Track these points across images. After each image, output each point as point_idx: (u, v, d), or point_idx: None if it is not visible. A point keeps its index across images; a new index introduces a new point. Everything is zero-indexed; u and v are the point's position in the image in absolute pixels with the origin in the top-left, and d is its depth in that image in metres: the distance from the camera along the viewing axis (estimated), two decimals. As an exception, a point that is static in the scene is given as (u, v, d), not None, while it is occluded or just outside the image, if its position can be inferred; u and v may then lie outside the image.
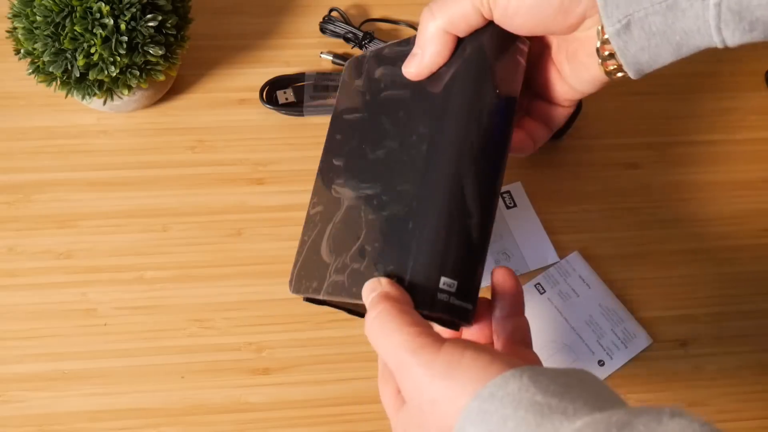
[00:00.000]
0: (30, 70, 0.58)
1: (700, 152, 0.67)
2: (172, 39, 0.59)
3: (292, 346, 0.58)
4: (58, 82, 0.58)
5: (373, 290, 0.37)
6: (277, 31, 0.70)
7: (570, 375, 0.32)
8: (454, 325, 0.40)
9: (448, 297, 0.37)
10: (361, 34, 0.68)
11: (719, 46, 0.35)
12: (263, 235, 0.61)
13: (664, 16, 0.35)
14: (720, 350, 0.60)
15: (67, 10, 0.55)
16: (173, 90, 0.66)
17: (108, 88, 0.59)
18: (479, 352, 0.33)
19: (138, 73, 0.58)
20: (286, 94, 0.66)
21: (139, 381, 0.56)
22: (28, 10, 0.56)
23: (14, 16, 0.57)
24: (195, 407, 0.56)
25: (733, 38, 0.34)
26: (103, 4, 0.55)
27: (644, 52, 0.37)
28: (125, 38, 0.56)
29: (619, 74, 0.40)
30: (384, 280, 0.37)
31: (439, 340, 0.34)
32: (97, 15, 0.55)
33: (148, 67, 0.59)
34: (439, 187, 0.38)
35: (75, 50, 0.56)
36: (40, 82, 0.59)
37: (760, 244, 0.64)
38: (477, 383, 0.32)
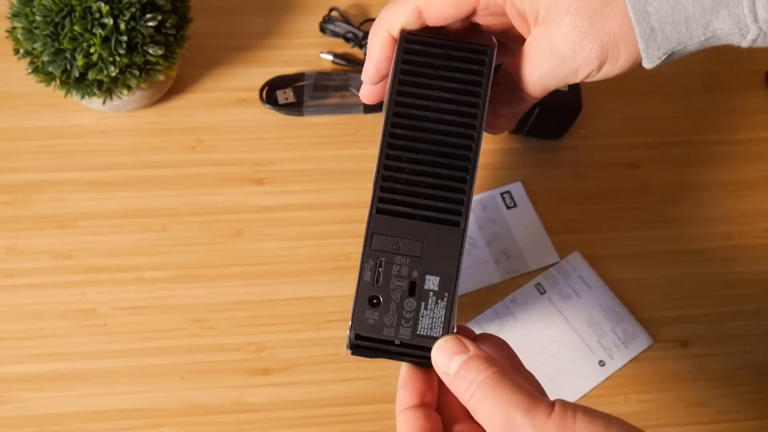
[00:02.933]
0: (29, 70, 0.58)
1: (700, 152, 0.67)
2: (171, 39, 0.59)
3: (292, 346, 0.58)
4: (58, 82, 0.58)
5: (461, 352, 0.35)
6: (277, 31, 0.70)
7: None
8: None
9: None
10: (361, 34, 0.68)
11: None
12: (263, 235, 0.61)
13: (701, 45, 0.36)
14: (721, 350, 0.60)
15: (66, 9, 0.55)
16: (173, 90, 0.66)
17: (107, 88, 0.59)
18: (591, 417, 0.32)
19: (137, 72, 0.58)
20: (286, 94, 0.66)
21: (139, 381, 0.56)
22: (28, 9, 0.56)
23: (14, 15, 0.57)
24: (195, 407, 0.56)
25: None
26: (103, 4, 0.55)
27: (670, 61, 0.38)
28: (125, 38, 0.56)
29: None
30: (469, 343, 0.35)
31: (547, 399, 0.33)
32: (97, 15, 0.55)
33: (148, 66, 0.59)
34: None
35: (74, 50, 0.56)
36: (40, 81, 0.59)
37: (760, 244, 0.64)
38: None
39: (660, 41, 0.36)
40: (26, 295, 0.58)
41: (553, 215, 0.63)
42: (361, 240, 0.61)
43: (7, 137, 0.64)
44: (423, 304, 0.36)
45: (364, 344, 0.36)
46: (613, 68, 0.37)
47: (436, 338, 0.36)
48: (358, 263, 0.62)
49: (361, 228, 0.62)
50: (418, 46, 0.39)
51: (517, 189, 0.64)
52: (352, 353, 0.37)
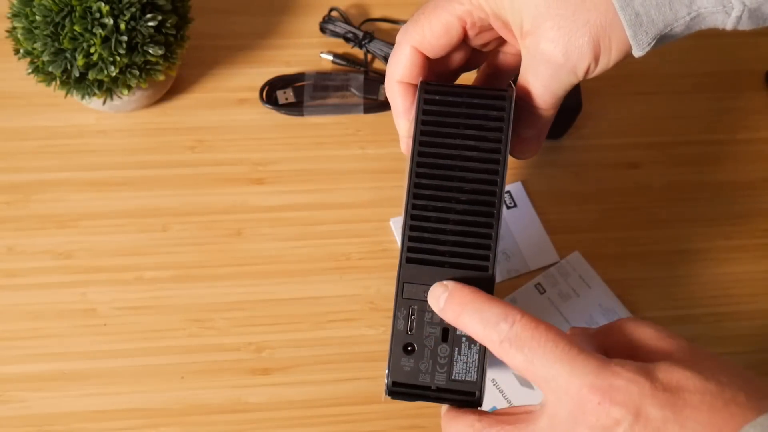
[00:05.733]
0: (29, 70, 0.58)
1: (700, 152, 0.67)
2: (171, 39, 0.59)
3: (292, 346, 0.58)
4: (58, 82, 0.58)
5: (509, 316, 0.35)
6: (277, 31, 0.70)
7: None
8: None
9: None
10: (361, 34, 0.68)
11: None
12: (263, 235, 0.61)
13: (687, 26, 0.36)
14: (720, 351, 0.60)
15: (66, 9, 0.55)
16: (173, 90, 0.66)
17: (107, 88, 0.59)
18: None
19: (138, 72, 0.58)
20: (286, 94, 0.66)
21: (139, 381, 0.56)
22: (28, 9, 0.56)
23: (14, 15, 0.57)
24: (195, 407, 0.56)
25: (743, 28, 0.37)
26: (103, 4, 0.55)
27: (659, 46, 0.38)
28: (125, 38, 0.56)
29: None
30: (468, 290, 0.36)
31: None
32: (97, 15, 0.55)
33: (148, 66, 0.59)
34: None
35: (74, 50, 0.56)
36: (40, 81, 0.59)
37: (760, 244, 0.64)
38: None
39: (647, 26, 0.36)
40: (26, 295, 0.58)
41: (553, 215, 0.63)
42: (362, 240, 0.62)
43: (7, 137, 0.64)
44: (456, 349, 0.37)
45: (401, 390, 0.38)
46: (609, 59, 0.37)
47: (471, 382, 0.37)
48: (357, 263, 0.62)
49: (361, 228, 0.62)
50: (438, 96, 0.39)
51: (517, 189, 0.64)
52: (392, 398, 0.38)
